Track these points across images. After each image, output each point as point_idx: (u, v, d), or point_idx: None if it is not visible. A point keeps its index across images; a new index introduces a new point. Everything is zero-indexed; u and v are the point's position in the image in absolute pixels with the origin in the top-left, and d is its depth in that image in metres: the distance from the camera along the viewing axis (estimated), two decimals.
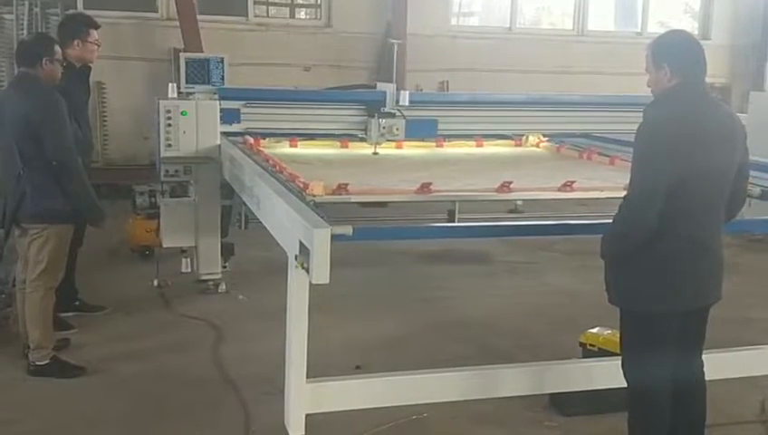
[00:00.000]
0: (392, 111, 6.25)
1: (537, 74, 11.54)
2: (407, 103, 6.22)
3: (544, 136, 6.83)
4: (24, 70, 4.76)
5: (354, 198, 4.28)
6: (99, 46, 5.51)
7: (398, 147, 6.46)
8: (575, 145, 6.61)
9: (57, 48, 4.84)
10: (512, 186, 4.47)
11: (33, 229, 4.68)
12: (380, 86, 6.81)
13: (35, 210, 4.64)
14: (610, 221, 3.44)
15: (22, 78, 4.79)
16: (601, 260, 3.48)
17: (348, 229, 3.35)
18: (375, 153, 6.08)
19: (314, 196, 4.08)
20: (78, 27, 5.43)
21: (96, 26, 5.48)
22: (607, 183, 4.79)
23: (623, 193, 4.63)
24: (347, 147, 6.44)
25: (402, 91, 6.26)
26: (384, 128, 6.19)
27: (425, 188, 4.35)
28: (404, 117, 6.24)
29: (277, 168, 4.90)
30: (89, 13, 10.29)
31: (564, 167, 5.69)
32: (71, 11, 10.34)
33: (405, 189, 4.50)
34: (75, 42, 5.36)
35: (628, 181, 4.73)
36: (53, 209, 4.64)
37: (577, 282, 6.85)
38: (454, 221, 7.83)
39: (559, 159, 6.31)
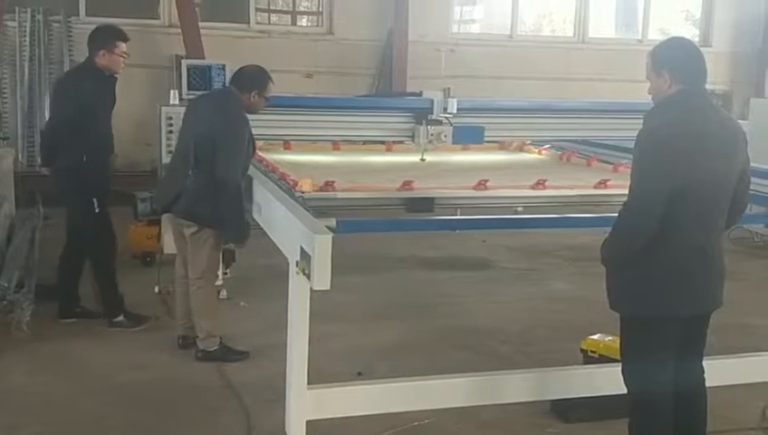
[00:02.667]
0: (439, 119, 6.33)
1: (538, 81, 11.57)
2: (455, 111, 6.32)
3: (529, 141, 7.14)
4: (232, 88, 5.07)
5: (340, 195, 4.55)
6: (125, 58, 5.61)
7: (389, 149, 6.81)
8: (557, 148, 6.91)
9: (270, 86, 5.10)
10: (487, 184, 4.77)
11: (189, 229, 5.02)
12: (426, 94, 6.92)
13: (186, 207, 4.98)
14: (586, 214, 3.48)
15: (226, 93, 5.12)
16: (602, 267, 3.49)
17: (331, 222, 3.51)
18: (422, 159, 6.12)
19: (303, 192, 4.40)
20: (106, 38, 5.54)
21: (125, 39, 5.59)
22: (578, 182, 5.16)
23: (593, 191, 4.95)
24: (339, 149, 6.62)
25: (450, 99, 6.37)
26: (432, 135, 6.28)
27: (406, 185, 4.65)
28: (451, 124, 6.33)
29: (270, 167, 5.19)
30: (91, 19, 10.43)
31: (544, 168, 6.01)
32: (71, 17, 10.42)
33: (388, 187, 4.77)
34: (101, 51, 5.47)
35: (597, 181, 4.99)
36: (200, 213, 4.93)
37: (578, 288, 6.86)
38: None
39: (540, 160, 6.66)
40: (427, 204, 4.76)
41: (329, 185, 4.50)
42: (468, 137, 6.54)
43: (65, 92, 5.59)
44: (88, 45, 5.57)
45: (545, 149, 6.84)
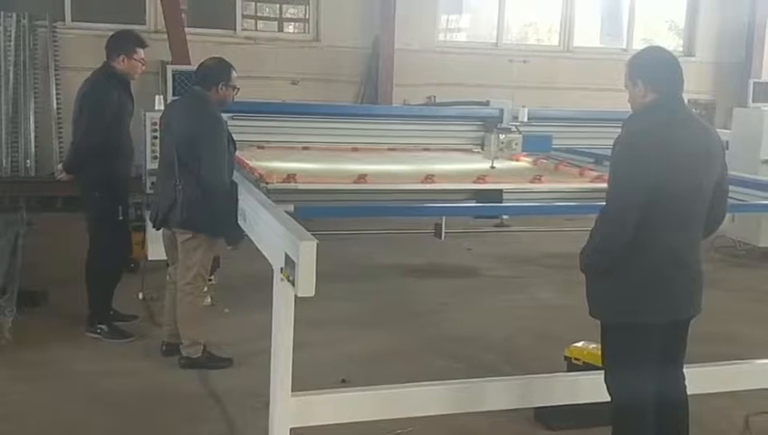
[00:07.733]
0: (509, 127, 6.41)
1: (523, 90, 11.60)
2: (525, 119, 6.42)
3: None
4: (198, 89, 5.03)
5: (301, 186, 4.83)
6: (143, 64, 5.62)
7: (354, 149, 6.94)
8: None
9: (234, 74, 5.09)
10: (434, 178, 5.12)
11: (182, 236, 5.01)
12: (494, 103, 7.02)
13: (182, 218, 4.95)
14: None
15: (194, 96, 5.08)
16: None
17: (289, 207, 3.69)
18: (492, 167, 6.19)
19: (267, 184, 4.71)
20: (125, 44, 5.54)
21: (144, 45, 5.61)
22: (517, 177, 5.57)
23: (528, 185, 5.28)
24: (308, 149, 6.75)
25: (521, 108, 6.45)
26: (503, 143, 6.35)
27: (361, 179, 4.96)
28: (519, 132, 6.40)
29: (241, 163, 5.38)
30: (77, 24, 10.40)
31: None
32: (57, 22, 10.38)
33: (343, 180, 5.10)
34: (120, 57, 5.48)
35: (533, 175, 5.29)
36: (198, 221, 4.92)
37: (563, 296, 6.87)
38: (440, 235, 7.99)
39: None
40: (496, 195, 5.11)
41: (290, 178, 4.78)
42: (536, 145, 6.60)
43: (94, 102, 5.47)
44: (106, 50, 5.54)
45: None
